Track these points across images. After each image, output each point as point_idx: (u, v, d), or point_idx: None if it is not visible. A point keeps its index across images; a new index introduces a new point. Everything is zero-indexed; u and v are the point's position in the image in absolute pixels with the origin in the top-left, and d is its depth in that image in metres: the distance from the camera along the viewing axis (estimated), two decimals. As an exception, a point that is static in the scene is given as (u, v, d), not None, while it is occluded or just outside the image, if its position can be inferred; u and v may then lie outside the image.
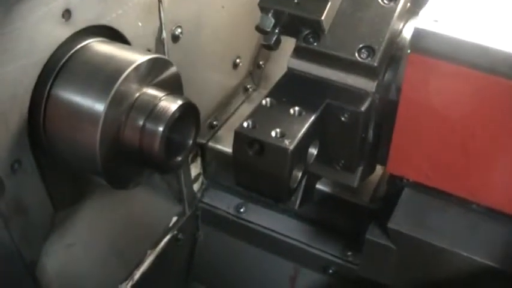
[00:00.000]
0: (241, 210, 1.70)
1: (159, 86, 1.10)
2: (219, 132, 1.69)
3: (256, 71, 1.82)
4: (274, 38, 1.17)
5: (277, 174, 1.07)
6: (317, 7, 1.12)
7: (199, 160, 1.70)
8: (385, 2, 1.14)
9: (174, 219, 1.67)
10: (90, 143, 1.01)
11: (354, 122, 1.14)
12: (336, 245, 1.61)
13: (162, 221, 1.65)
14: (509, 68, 0.97)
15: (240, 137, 1.08)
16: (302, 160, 1.13)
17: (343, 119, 1.14)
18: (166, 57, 1.29)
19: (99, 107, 1.01)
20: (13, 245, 1.08)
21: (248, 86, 1.80)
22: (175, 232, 1.67)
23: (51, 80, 1.04)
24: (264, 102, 1.14)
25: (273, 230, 1.66)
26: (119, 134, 1.05)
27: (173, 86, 1.14)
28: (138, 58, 1.06)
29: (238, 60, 1.72)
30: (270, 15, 1.15)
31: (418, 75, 1.06)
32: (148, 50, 1.27)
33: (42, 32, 1.00)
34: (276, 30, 1.16)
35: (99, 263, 1.42)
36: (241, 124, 1.09)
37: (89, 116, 1.02)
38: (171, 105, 1.06)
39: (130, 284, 1.53)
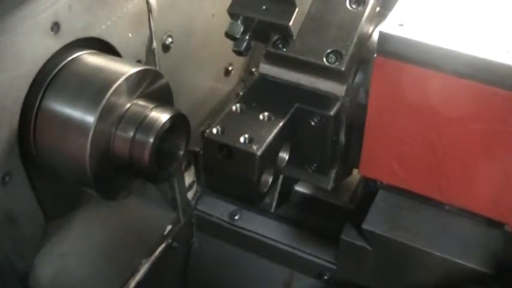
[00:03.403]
0: (236, 217, 1.70)
1: (149, 97, 1.10)
2: (212, 140, 1.68)
3: (248, 78, 1.82)
4: (244, 44, 1.18)
5: (247, 179, 1.08)
6: (285, 13, 1.13)
7: (193, 168, 1.70)
8: (353, 6, 1.15)
9: (169, 227, 1.67)
10: (80, 154, 1.02)
11: (323, 126, 1.15)
12: (331, 251, 1.61)
13: (156, 229, 1.65)
14: (472, 69, 0.98)
15: (209, 142, 1.09)
16: (272, 164, 1.14)
17: (313, 123, 1.15)
18: (156, 68, 1.30)
19: (89, 118, 1.01)
20: (5, 256, 1.08)
21: (241, 93, 1.79)
22: (170, 240, 1.67)
23: (41, 92, 1.05)
24: (234, 108, 1.15)
25: (267, 237, 1.66)
26: (109, 145, 1.05)
27: (163, 97, 1.15)
28: (127, 70, 1.06)
29: (230, 68, 1.72)
30: (239, 21, 1.17)
31: (385, 79, 1.07)
32: (139, 61, 1.28)
33: (31, 44, 1.01)
34: (247, 36, 1.18)
35: (93, 273, 1.42)
36: (211, 130, 1.10)
37: (79, 127, 1.02)
38: (161, 116, 1.06)
39: (125, 292, 1.53)
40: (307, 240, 1.63)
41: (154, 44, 1.31)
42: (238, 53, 1.20)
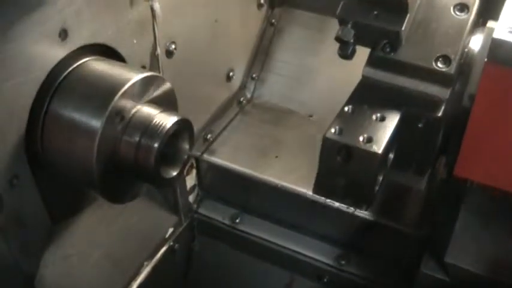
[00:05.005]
0: (237, 220, 1.72)
1: (154, 102, 1.12)
2: (214, 145, 1.71)
3: (249, 84, 1.84)
4: (350, 49, 1.19)
5: (364, 179, 1.08)
6: (396, 19, 1.17)
7: (194, 172, 1.72)
8: (457, 13, 1.18)
9: (171, 230, 1.69)
10: (87, 158, 1.03)
11: (430, 128, 1.17)
12: (330, 254, 1.63)
13: (158, 232, 1.66)
14: None
15: (328, 142, 1.09)
16: (385, 165, 1.15)
17: (420, 125, 1.17)
18: (160, 74, 1.32)
19: (96, 123, 1.03)
20: (11, 257, 1.10)
21: (241, 99, 1.82)
22: (172, 243, 1.69)
23: (49, 98, 1.06)
24: (346, 108, 1.16)
25: (267, 240, 1.68)
26: (115, 149, 1.07)
27: (168, 102, 1.16)
28: (132, 76, 1.08)
29: (231, 73, 1.74)
30: (349, 26, 1.18)
31: (494, 84, 1.08)
32: (143, 67, 1.30)
33: (39, 51, 1.02)
34: (352, 41, 1.19)
35: (96, 274, 1.44)
36: (329, 130, 1.10)
37: (86, 132, 1.04)
38: (166, 121, 1.08)
39: (127, 295, 1.55)
40: (307, 243, 1.65)
41: (158, 50, 1.33)
42: (345, 57, 1.21)
